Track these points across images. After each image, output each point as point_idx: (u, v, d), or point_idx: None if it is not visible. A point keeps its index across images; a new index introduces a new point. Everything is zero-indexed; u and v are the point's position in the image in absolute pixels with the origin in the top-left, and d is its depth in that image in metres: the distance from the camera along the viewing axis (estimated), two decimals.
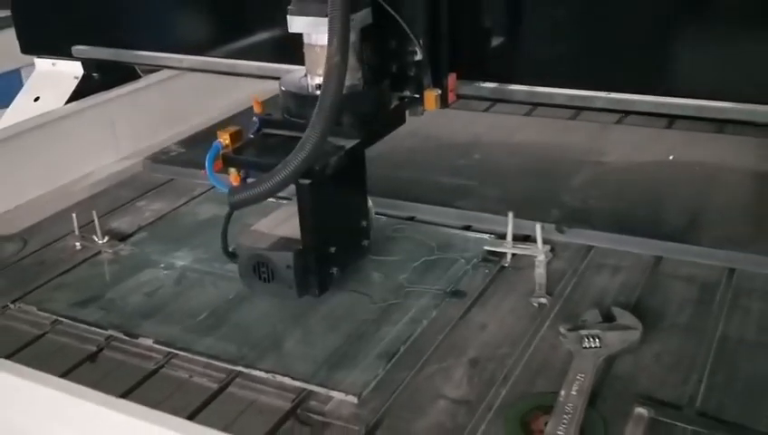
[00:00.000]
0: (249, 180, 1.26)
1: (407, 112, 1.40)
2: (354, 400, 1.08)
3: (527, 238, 1.46)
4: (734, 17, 1.36)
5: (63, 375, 1.15)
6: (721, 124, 1.89)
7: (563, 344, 1.16)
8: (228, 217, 1.29)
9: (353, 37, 1.24)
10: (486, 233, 1.49)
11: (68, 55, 1.98)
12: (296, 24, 1.25)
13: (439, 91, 1.37)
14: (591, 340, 1.14)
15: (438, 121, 2.05)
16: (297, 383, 1.12)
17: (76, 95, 1.97)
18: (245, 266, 1.29)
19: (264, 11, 1.70)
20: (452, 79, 1.41)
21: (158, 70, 2.04)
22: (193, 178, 1.78)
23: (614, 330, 1.16)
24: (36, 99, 2.00)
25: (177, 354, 1.20)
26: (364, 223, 1.39)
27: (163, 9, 1.90)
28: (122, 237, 1.56)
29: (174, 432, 0.94)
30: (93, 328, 1.28)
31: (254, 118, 1.32)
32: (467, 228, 1.53)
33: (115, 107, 1.98)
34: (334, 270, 1.30)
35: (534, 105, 1.92)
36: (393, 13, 1.31)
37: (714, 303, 1.26)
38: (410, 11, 1.33)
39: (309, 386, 1.11)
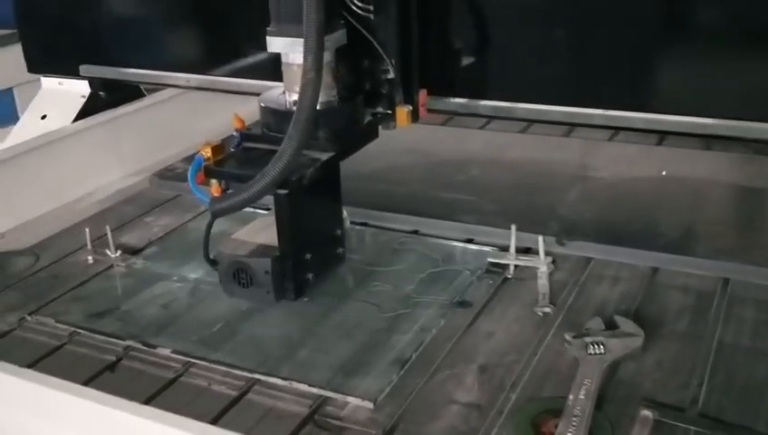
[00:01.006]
0: (229, 191, 1.33)
1: (379, 127, 1.48)
2: (370, 405, 1.12)
3: (528, 251, 1.51)
4: (715, 38, 1.43)
5: (85, 384, 1.18)
6: (708, 142, 1.97)
7: (569, 351, 1.21)
8: (210, 226, 1.36)
9: (329, 57, 1.33)
10: (488, 246, 1.54)
11: (74, 74, 2.02)
12: (275, 44, 1.35)
13: (410, 108, 1.45)
14: (596, 346, 1.19)
15: (435, 139, 2.13)
16: (314, 390, 1.16)
17: (83, 113, 2.01)
18: (225, 273, 1.37)
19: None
20: (422, 95, 1.49)
21: (164, 89, 2.08)
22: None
23: (617, 337, 1.22)
24: (43, 117, 2.03)
25: (195, 363, 1.24)
26: (339, 232, 1.48)
27: (168, 29, 1.95)
28: (134, 252, 1.60)
29: None
30: (111, 339, 1.31)
31: (235, 133, 1.39)
32: (469, 241, 1.58)
33: (121, 125, 2.02)
34: (310, 276, 1.39)
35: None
36: (367, 34, 1.39)
37: (710, 311, 1.31)
38: (383, 33, 1.41)
39: (326, 392, 1.15)
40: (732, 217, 1.65)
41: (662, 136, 2.01)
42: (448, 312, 1.34)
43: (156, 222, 1.75)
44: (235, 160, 1.37)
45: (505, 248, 1.50)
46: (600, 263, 1.48)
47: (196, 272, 1.50)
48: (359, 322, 1.32)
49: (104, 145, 1.98)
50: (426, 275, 1.45)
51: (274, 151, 1.24)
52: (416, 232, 1.63)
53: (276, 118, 1.37)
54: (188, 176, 1.33)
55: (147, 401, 1.15)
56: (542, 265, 1.45)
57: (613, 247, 1.50)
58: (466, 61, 1.59)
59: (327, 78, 1.32)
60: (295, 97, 1.31)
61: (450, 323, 1.32)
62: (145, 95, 2.13)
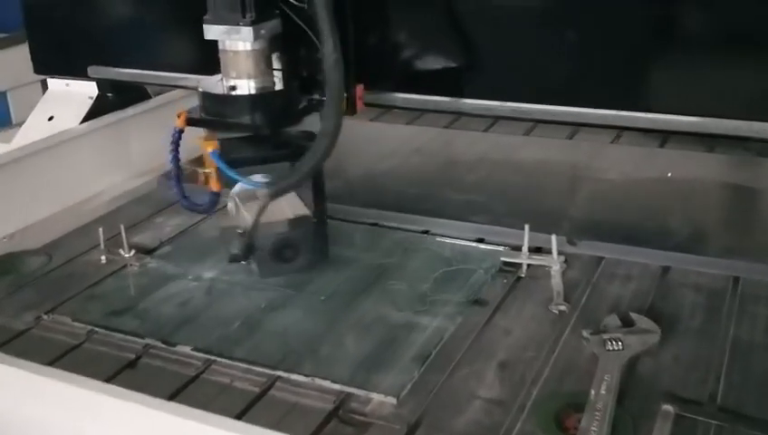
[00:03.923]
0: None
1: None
2: (393, 401, 1.13)
3: (539, 250, 1.53)
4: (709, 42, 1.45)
5: (106, 382, 1.19)
6: (710, 144, 1.99)
7: (587, 347, 1.23)
8: (263, 209, 1.35)
9: (263, 44, 1.42)
10: (500, 245, 1.56)
11: (82, 75, 2.02)
12: (212, 31, 1.42)
13: (344, 95, 1.48)
14: (614, 343, 1.21)
15: (442, 141, 2.14)
16: (337, 386, 1.17)
17: (90, 114, 2.01)
18: (270, 254, 1.42)
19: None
20: (359, 89, 1.54)
21: (172, 90, 2.09)
22: (197, 194, 1.81)
23: (634, 333, 1.23)
24: (50, 118, 2.03)
25: (215, 361, 1.25)
26: None
27: (176, 30, 1.95)
28: (147, 251, 1.60)
29: (228, 432, 0.99)
30: (130, 337, 1.32)
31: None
32: (481, 241, 1.59)
33: (130, 126, 2.02)
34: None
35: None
36: (301, 23, 1.45)
37: (722, 309, 1.33)
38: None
39: (349, 389, 1.16)
40: (738, 217, 1.68)
41: (665, 138, 2.04)
42: (465, 310, 1.36)
43: (167, 222, 1.75)
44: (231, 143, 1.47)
45: (517, 248, 1.52)
46: (611, 262, 1.50)
47: (211, 271, 1.51)
48: (377, 319, 1.33)
49: (113, 146, 1.99)
50: (440, 274, 1.46)
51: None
52: (427, 232, 1.64)
53: (214, 102, 1.46)
54: (213, 157, 1.39)
55: (170, 398, 1.16)
56: (555, 263, 1.46)
57: (624, 247, 1.52)
58: (402, 56, 1.63)
59: (262, 65, 1.43)
60: (232, 82, 1.43)
61: (467, 320, 1.33)
62: (151, 97, 2.13)
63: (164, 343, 1.29)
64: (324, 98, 1.48)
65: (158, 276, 1.51)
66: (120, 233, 1.58)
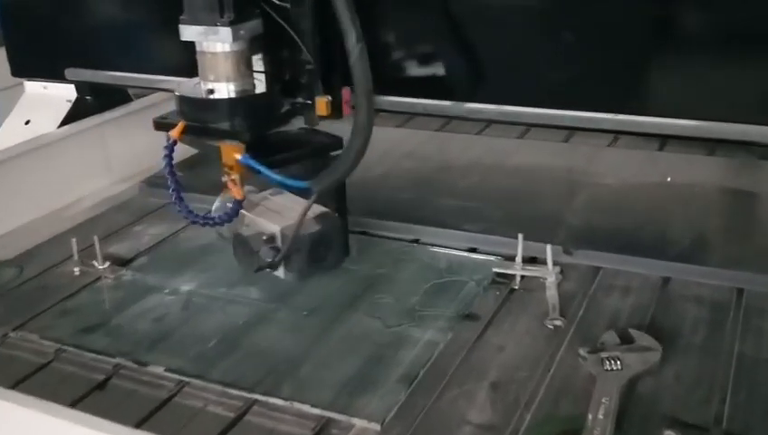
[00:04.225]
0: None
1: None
2: (377, 427, 1.06)
3: (534, 260, 1.46)
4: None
5: (72, 405, 1.12)
6: (711, 147, 1.93)
7: (584, 366, 1.16)
8: (307, 209, 1.32)
9: (243, 45, 1.36)
10: (493, 255, 1.49)
11: (60, 78, 1.94)
12: (188, 32, 1.35)
13: (329, 98, 1.43)
14: (613, 362, 1.14)
15: (433, 144, 2.08)
16: (317, 411, 1.09)
17: (69, 118, 1.94)
18: (305, 254, 1.34)
19: None
20: (346, 92, 1.46)
21: (153, 93, 2.02)
22: (190, 202, 1.75)
23: (634, 352, 1.16)
24: (27, 122, 1.96)
25: (189, 382, 1.17)
26: None
27: (157, 31, 1.88)
28: (122, 262, 1.53)
29: None
30: (100, 356, 1.24)
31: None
32: (473, 251, 1.52)
33: (109, 130, 1.95)
34: None
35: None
36: (282, 23, 1.39)
37: (726, 322, 1.26)
38: (301, 23, 1.41)
39: (329, 413, 1.09)
40: (741, 224, 1.61)
41: (664, 141, 1.97)
42: (455, 325, 1.29)
43: (145, 231, 1.68)
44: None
45: (510, 258, 1.45)
46: (609, 272, 1.43)
47: (188, 284, 1.44)
48: (362, 336, 1.26)
49: (91, 151, 1.92)
50: (430, 287, 1.39)
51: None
52: (417, 241, 1.57)
53: (193, 106, 1.39)
54: (247, 162, 1.33)
55: (138, 425, 1.09)
56: (550, 275, 1.39)
57: (622, 256, 1.45)
58: (391, 57, 1.56)
59: (242, 67, 1.36)
60: (210, 85, 1.37)
61: (458, 336, 1.26)
62: (132, 100, 2.05)
63: (135, 362, 1.22)
64: (308, 102, 1.46)
65: (133, 290, 1.43)
66: (97, 242, 1.51)
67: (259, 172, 1.34)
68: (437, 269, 1.45)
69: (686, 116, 1.41)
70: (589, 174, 1.86)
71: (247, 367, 1.20)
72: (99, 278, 1.48)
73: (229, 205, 1.40)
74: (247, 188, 1.47)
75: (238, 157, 1.34)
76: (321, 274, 1.42)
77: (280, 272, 1.37)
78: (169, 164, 1.39)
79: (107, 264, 1.50)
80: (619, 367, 1.13)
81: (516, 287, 1.40)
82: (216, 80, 1.40)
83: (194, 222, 1.41)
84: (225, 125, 1.39)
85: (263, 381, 1.16)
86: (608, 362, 1.14)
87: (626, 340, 1.20)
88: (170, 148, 1.39)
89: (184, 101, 1.41)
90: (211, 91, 1.39)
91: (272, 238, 1.35)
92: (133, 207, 1.80)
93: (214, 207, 1.44)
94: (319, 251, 1.37)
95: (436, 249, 1.53)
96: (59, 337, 1.30)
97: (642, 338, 1.20)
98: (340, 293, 1.40)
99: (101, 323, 1.33)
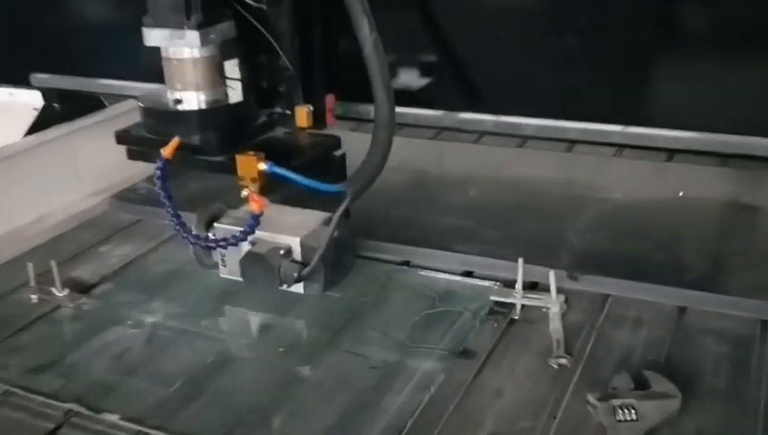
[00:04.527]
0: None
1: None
2: None
3: (535, 286, 1.33)
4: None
5: None
6: (723, 158, 1.79)
7: (594, 416, 1.02)
8: (344, 213, 1.25)
9: (213, 50, 1.25)
10: (490, 280, 1.36)
11: (25, 84, 1.81)
12: (152, 37, 1.24)
13: (310, 107, 1.34)
14: (626, 411, 1.00)
15: (426, 155, 1.94)
16: None
17: (35, 127, 1.81)
18: (326, 266, 1.23)
19: None
20: (329, 100, 1.38)
21: (125, 99, 1.88)
22: (163, 219, 1.61)
23: (650, 399, 1.03)
24: None
25: (147, 434, 1.04)
26: None
27: (129, 33, 1.75)
28: (84, 289, 1.40)
29: None
30: (51, 401, 1.11)
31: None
32: (469, 274, 1.39)
33: (78, 140, 1.81)
34: None
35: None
36: (258, 25, 1.29)
37: (751, 361, 1.13)
38: (278, 25, 1.31)
39: None
40: (763, 245, 1.47)
41: (672, 151, 1.84)
42: (448, 364, 1.15)
43: (113, 252, 1.54)
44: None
45: (510, 283, 1.32)
46: (618, 301, 1.30)
47: (154, 315, 1.30)
48: (343, 378, 1.13)
49: (59, 163, 1.78)
50: (420, 319, 1.26)
51: None
52: (407, 263, 1.44)
53: (159, 118, 1.29)
54: (275, 171, 1.22)
55: None
56: (553, 305, 1.26)
57: (633, 283, 1.32)
58: None
59: (213, 74, 1.27)
60: (178, 95, 1.27)
61: (451, 377, 1.12)
62: (105, 106, 1.92)
63: (89, 409, 1.09)
64: (287, 111, 1.34)
65: (94, 321, 1.30)
66: (55, 267, 1.38)
67: (286, 180, 1.22)
68: (429, 297, 1.32)
69: (695, 128, 1.31)
70: (594, 188, 1.72)
71: (213, 416, 1.06)
72: (57, 307, 1.35)
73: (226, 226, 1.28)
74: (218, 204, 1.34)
75: (262, 167, 1.22)
76: (303, 301, 1.29)
77: (299, 287, 1.25)
78: (164, 188, 1.23)
79: (66, 291, 1.37)
80: (634, 417, 1.00)
81: (516, 317, 1.27)
82: (184, 89, 1.28)
83: (207, 248, 1.28)
84: (194, 139, 1.27)
85: (231, 432, 1.03)
86: (621, 412, 1.01)
87: (640, 384, 1.06)
88: (163, 169, 1.23)
89: (149, 112, 1.29)
90: (179, 102, 1.27)
91: (289, 252, 1.23)
92: (102, 225, 1.67)
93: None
94: (342, 257, 1.28)
95: (427, 273, 1.40)
96: (7, 377, 1.16)
97: (659, 382, 1.06)
98: (319, 325, 1.27)
99: (55, 360, 1.20)
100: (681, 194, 1.65)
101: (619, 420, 1.00)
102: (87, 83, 1.79)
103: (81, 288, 1.40)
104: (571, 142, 1.77)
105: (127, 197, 1.76)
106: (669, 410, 1.02)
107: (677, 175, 1.75)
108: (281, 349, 1.20)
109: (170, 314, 1.30)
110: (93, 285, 1.41)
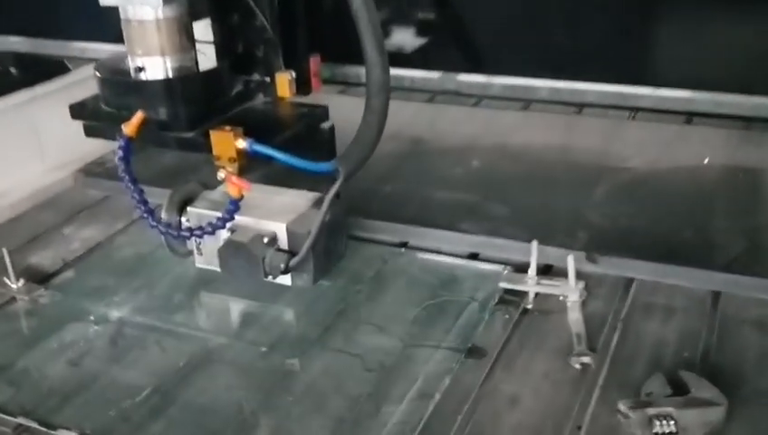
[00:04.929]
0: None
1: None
2: None
3: (549, 269, 1.18)
4: None
5: None
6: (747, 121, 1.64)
7: (625, 427, 0.88)
8: (337, 196, 1.11)
9: (180, 10, 1.11)
10: (498, 263, 1.21)
11: None
12: None
13: (293, 73, 1.22)
14: (664, 423, 0.86)
15: (423, 120, 1.78)
16: None
17: None
18: (321, 251, 1.11)
19: None
20: (314, 62, 1.26)
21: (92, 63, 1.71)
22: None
23: (691, 407, 0.89)
24: None
25: None
26: None
27: None
28: (42, 278, 1.25)
29: None
30: None
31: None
32: (474, 257, 1.24)
33: (40, 108, 1.64)
34: None
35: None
36: None
37: None
38: None
39: None
40: None
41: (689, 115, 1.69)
42: (454, 365, 1.01)
43: (76, 234, 1.39)
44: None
45: (521, 266, 1.18)
46: (644, 286, 1.15)
47: (120, 308, 1.16)
48: (335, 384, 0.98)
49: (18, 133, 1.61)
50: (422, 311, 1.11)
51: None
52: (405, 244, 1.29)
53: (119, 90, 1.16)
54: (258, 150, 1.08)
55: None
56: (572, 292, 1.12)
57: (660, 265, 1.17)
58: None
59: (180, 38, 1.13)
60: (140, 62, 1.13)
61: (458, 382, 0.98)
62: (70, 70, 1.75)
63: (41, 424, 0.95)
64: (265, 79, 1.22)
65: (51, 316, 1.15)
66: (8, 255, 1.22)
67: (270, 159, 1.08)
68: (431, 284, 1.17)
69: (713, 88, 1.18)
70: (609, 155, 1.57)
71: (184, 431, 0.92)
72: (11, 300, 1.20)
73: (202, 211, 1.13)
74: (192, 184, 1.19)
75: (242, 145, 1.08)
76: (289, 292, 1.14)
77: (285, 279, 1.11)
78: (127, 171, 1.09)
79: (22, 281, 1.21)
80: (674, 430, 0.86)
81: (530, 307, 1.12)
82: (147, 54, 1.12)
83: (179, 237, 1.14)
84: (160, 113, 1.11)
85: None
86: (658, 423, 0.87)
87: (678, 388, 0.92)
88: (125, 148, 1.09)
89: (107, 83, 1.14)
90: (141, 70, 1.11)
91: (274, 240, 1.09)
92: (66, 203, 1.52)
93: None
94: (334, 243, 1.15)
95: (428, 256, 1.26)
96: None
97: (700, 386, 0.92)
98: (307, 320, 1.13)
99: (4, 365, 1.06)
100: (706, 161, 1.50)
101: (656, 433, 0.86)
102: (48, 45, 1.63)
103: (39, 278, 1.25)
104: (582, 107, 1.63)
105: (94, 171, 1.60)
106: (713, 419, 0.88)
107: (699, 138, 1.60)
108: (263, 349, 1.05)
109: (138, 308, 1.15)
110: (53, 274, 1.27)
